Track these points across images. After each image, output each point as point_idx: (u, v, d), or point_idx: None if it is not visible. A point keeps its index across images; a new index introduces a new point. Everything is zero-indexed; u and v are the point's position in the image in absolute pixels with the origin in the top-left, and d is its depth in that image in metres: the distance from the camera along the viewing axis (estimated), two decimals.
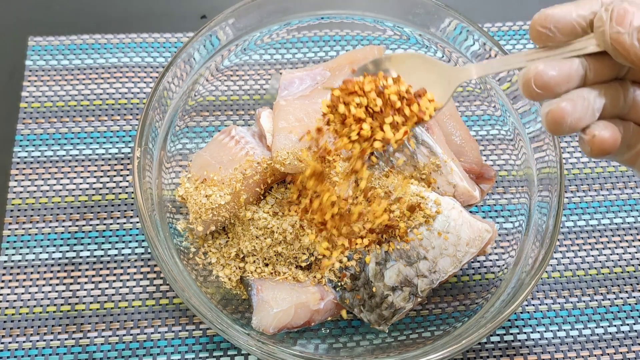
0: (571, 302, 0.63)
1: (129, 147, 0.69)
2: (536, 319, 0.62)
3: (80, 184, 0.66)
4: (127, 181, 0.67)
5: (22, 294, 0.61)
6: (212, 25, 0.59)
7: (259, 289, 0.55)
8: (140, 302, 0.61)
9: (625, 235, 0.66)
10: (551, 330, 0.61)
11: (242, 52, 0.64)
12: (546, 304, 0.63)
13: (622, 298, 0.63)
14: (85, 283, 0.62)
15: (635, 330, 0.61)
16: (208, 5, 0.78)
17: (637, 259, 0.65)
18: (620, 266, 0.64)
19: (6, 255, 0.63)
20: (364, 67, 0.47)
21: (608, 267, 0.64)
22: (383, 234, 0.56)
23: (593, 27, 0.37)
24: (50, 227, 0.64)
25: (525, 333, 0.61)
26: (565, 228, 0.67)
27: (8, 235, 0.64)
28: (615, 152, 0.39)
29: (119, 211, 0.65)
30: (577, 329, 0.61)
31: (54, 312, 0.60)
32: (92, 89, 0.71)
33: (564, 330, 0.61)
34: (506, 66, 0.43)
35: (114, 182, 0.67)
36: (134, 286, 0.62)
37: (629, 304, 0.63)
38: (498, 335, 0.61)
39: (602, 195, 0.68)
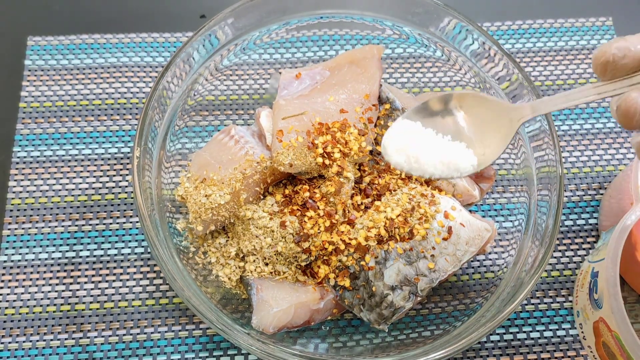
0: (570, 301, 0.63)
1: (129, 147, 0.69)
2: (536, 317, 0.62)
3: (80, 183, 0.66)
4: (127, 181, 0.67)
5: (22, 293, 0.61)
6: (211, 25, 0.59)
7: (259, 288, 0.55)
8: (140, 302, 0.61)
9: None
10: (551, 329, 0.61)
11: (241, 52, 0.64)
12: (546, 303, 0.63)
13: None
14: (85, 283, 0.62)
15: None
16: (207, 5, 0.78)
17: None
18: None
19: (6, 255, 0.63)
20: (425, 106, 0.48)
21: None
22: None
23: None
24: (49, 226, 0.64)
25: (525, 332, 0.61)
26: (565, 227, 0.67)
27: (7, 235, 0.64)
28: None
29: (118, 211, 0.65)
30: (576, 328, 0.61)
31: (54, 312, 0.60)
32: (91, 88, 0.71)
33: (564, 329, 0.61)
34: (575, 101, 0.42)
35: (114, 181, 0.67)
36: (133, 286, 0.62)
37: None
38: (498, 334, 0.61)
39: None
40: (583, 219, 0.67)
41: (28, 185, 0.66)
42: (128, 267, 0.63)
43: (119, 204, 0.66)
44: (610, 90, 0.39)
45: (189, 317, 0.61)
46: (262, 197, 0.60)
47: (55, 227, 0.64)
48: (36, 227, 0.64)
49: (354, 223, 0.57)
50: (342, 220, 0.58)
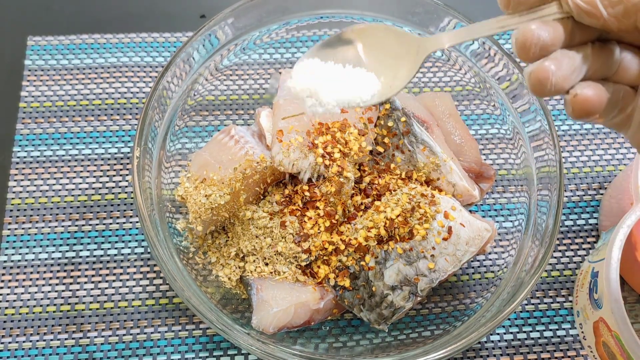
0: (570, 301, 0.63)
1: (129, 147, 0.69)
2: (536, 317, 0.62)
3: (80, 183, 0.66)
4: (127, 181, 0.67)
5: (22, 293, 0.61)
6: (211, 25, 0.59)
7: (259, 288, 0.55)
8: (140, 302, 0.61)
9: None
10: (551, 329, 0.61)
11: (241, 52, 0.64)
12: (546, 303, 0.63)
13: None
14: (85, 283, 0.62)
15: None
16: (207, 5, 0.78)
17: None
18: None
19: (6, 255, 0.63)
20: (327, 42, 0.46)
21: None
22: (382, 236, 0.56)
23: None
24: (49, 226, 0.64)
25: (525, 332, 0.61)
26: (565, 227, 0.67)
27: (7, 235, 0.64)
28: (603, 114, 0.38)
29: (118, 211, 0.65)
30: (576, 328, 0.61)
31: (54, 312, 0.60)
32: (91, 88, 0.71)
33: (564, 329, 0.61)
34: (477, 34, 0.41)
35: (114, 181, 0.67)
36: (133, 286, 0.62)
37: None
38: (498, 334, 0.61)
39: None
40: (583, 219, 0.67)
41: (28, 185, 0.66)
42: (128, 267, 0.63)
43: (118, 204, 0.66)
44: (513, 23, 0.39)
45: (189, 317, 0.61)
46: (262, 197, 0.59)
47: (55, 227, 0.64)
48: (36, 227, 0.64)
49: (354, 223, 0.57)
50: (342, 220, 0.58)
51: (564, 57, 0.36)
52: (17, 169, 0.67)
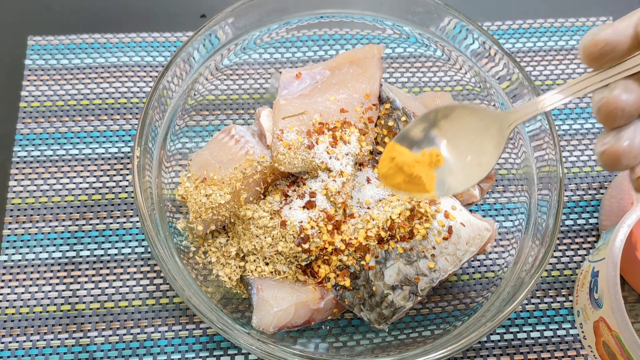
0: (571, 301, 0.63)
1: (129, 147, 0.69)
2: (536, 317, 0.62)
3: (80, 183, 0.67)
4: (127, 180, 0.67)
5: (22, 293, 0.61)
6: (211, 25, 0.59)
7: (259, 288, 0.55)
8: (140, 302, 0.61)
9: None
10: (551, 329, 0.61)
11: (241, 51, 0.64)
12: (546, 303, 0.63)
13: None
14: (86, 282, 0.62)
15: None
16: (207, 5, 0.78)
17: None
18: None
19: (6, 254, 0.63)
20: (406, 137, 0.47)
21: None
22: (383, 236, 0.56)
23: None
24: (50, 226, 0.64)
25: (525, 332, 0.61)
26: (565, 227, 0.67)
27: (8, 235, 0.64)
28: None
29: (118, 210, 0.65)
30: (577, 327, 0.61)
31: (54, 311, 0.60)
32: (91, 88, 0.71)
33: (564, 328, 0.61)
34: (561, 99, 0.40)
35: (114, 181, 0.67)
36: (134, 285, 0.62)
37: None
38: (498, 334, 0.61)
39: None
40: (583, 218, 0.67)
41: (28, 185, 0.66)
42: (128, 266, 0.63)
43: (119, 204, 0.66)
44: (597, 82, 0.38)
45: (190, 316, 0.61)
46: (262, 196, 0.60)
47: (56, 226, 0.64)
48: (37, 227, 0.64)
49: (354, 223, 0.57)
50: (342, 220, 0.58)
51: (638, 133, 0.36)
52: (17, 168, 0.67)
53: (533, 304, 0.63)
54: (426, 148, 0.46)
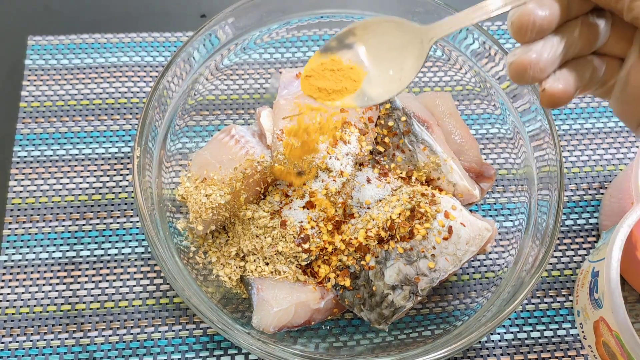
0: (571, 301, 0.63)
1: (129, 147, 0.69)
2: (536, 317, 0.62)
3: (80, 183, 0.67)
4: (127, 180, 0.67)
5: (23, 293, 0.61)
6: (211, 25, 0.59)
7: (259, 288, 0.55)
8: (140, 301, 0.61)
9: None
10: (551, 329, 0.61)
11: (241, 51, 0.64)
12: (546, 303, 0.63)
13: None
14: (86, 282, 0.62)
15: None
16: (207, 5, 0.78)
17: None
18: None
19: (6, 254, 0.63)
20: (327, 47, 0.46)
21: None
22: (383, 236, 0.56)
23: None
24: (50, 226, 0.64)
25: (525, 331, 0.61)
26: (565, 227, 0.67)
27: (8, 235, 0.64)
28: (584, 89, 0.38)
29: (119, 210, 0.65)
30: (577, 327, 0.61)
31: (54, 311, 0.60)
32: (91, 88, 0.71)
33: (564, 328, 0.61)
34: (480, 16, 0.40)
35: (114, 181, 0.67)
36: (134, 285, 0.62)
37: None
38: (498, 333, 0.61)
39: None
40: (583, 218, 0.67)
41: (29, 185, 0.66)
42: (128, 266, 0.63)
43: (119, 204, 0.66)
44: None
45: (190, 316, 0.61)
46: (262, 196, 0.60)
47: (56, 226, 0.64)
48: (37, 227, 0.64)
49: (354, 223, 0.57)
50: (342, 220, 0.58)
51: (546, 47, 0.36)
52: (17, 168, 0.67)
53: (533, 304, 0.63)
54: (350, 58, 0.46)
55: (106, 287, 0.62)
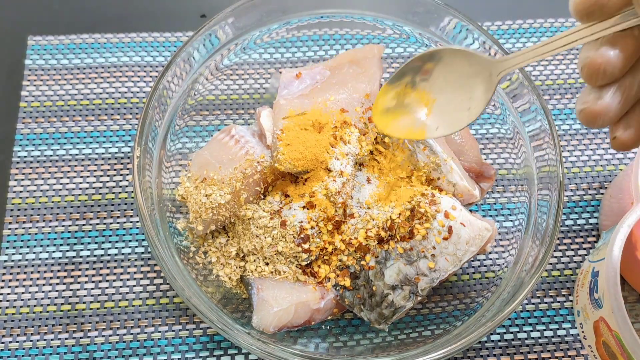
0: (571, 301, 0.63)
1: (129, 147, 0.69)
2: (536, 317, 0.62)
3: (80, 183, 0.67)
4: (127, 180, 0.67)
5: (23, 293, 0.61)
6: (211, 25, 0.59)
7: (259, 288, 0.55)
8: (140, 301, 0.61)
9: None
10: (551, 329, 0.61)
11: (241, 51, 0.64)
12: (546, 303, 0.63)
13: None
14: (86, 282, 0.62)
15: None
16: (207, 5, 0.78)
17: None
18: None
19: (6, 254, 0.63)
20: (396, 76, 0.47)
21: None
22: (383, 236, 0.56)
23: None
24: (50, 226, 0.64)
25: (525, 332, 0.61)
26: (565, 227, 0.67)
27: (8, 235, 0.64)
28: None
29: (119, 210, 0.65)
30: (577, 327, 0.61)
31: (55, 311, 0.60)
32: (91, 88, 0.71)
33: (564, 328, 0.61)
34: (549, 51, 0.39)
35: (114, 181, 0.67)
36: (134, 285, 0.62)
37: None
38: (498, 333, 0.61)
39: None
40: (583, 218, 0.67)
41: (29, 185, 0.66)
42: (128, 266, 0.63)
43: (119, 204, 0.66)
44: (586, 35, 0.37)
45: (190, 316, 0.61)
46: (262, 196, 0.60)
47: (56, 226, 0.64)
48: (37, 227, 0.64)
49: (354, 223, 0.57)
50: (342, 220, 0.58)
51: (616, 96, 0.36)
52: (17, 168, 0.67)
53: (533, 304, 0.63)
54: (419, 89, 0.47)
55: (106, 287, 0.62)
